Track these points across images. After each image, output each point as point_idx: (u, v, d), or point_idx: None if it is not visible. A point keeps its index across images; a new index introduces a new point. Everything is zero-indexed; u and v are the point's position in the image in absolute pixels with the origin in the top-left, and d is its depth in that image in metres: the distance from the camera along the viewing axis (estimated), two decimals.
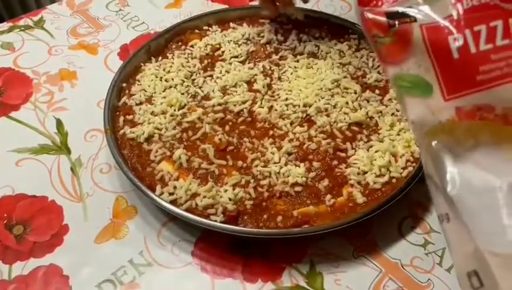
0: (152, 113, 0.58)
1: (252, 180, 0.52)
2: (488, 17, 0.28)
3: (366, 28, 0.33)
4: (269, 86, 0.62)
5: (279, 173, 0.52)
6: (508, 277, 0.25)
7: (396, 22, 0.31)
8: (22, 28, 0.75)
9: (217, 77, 0.63)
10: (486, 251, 0.25)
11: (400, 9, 0.31)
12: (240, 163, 0.53)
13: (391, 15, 0.31)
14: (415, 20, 0.30)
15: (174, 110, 0.58)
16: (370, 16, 0.32)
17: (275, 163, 0.53)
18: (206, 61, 0.66)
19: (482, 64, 0.26)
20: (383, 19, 0.31)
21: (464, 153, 0.28)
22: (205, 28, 0.71)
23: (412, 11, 0.30)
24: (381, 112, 0.58)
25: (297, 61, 0.65)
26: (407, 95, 0.30)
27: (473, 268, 0.27)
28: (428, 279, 0.48)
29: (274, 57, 0.66)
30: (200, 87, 0.62)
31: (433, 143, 0.29)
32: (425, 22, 0.30)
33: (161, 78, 0.63)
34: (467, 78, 0.27)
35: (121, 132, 0.56)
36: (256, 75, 0.63)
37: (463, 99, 0.28)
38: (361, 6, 0.33)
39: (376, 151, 0.53)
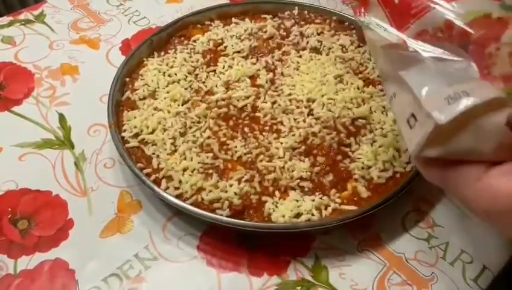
0: (155, 108, 0.58)
1: (257, 175, 0.52)
2: None
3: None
4: (272, 81, 0.63)
5: (283, 167, 0.52)
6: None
7: None
8: (23, 22, 0.75)
9: (220, 72, 0.63)
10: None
11: None
12: (244, 158, 0.53)
13: None
14: None
15: (178, 105, 0.59)
16: None
17: (279, 158, 0.53)
18: (208, 56, 0.66)
19: (412, 3, 0.39)
20: None
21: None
22: (207, 22, 0.71)
23: None
24: (384, 107, 0.59)
25: (300, 56, 0.65)
26: (368, 29, 0.42)
27: (410, 112, 0.35)
28: (432, 272, 0.48)
29: (277, 52, 0.66)
30: (203, 82, 0.62)
31: (387, 50, 0.39)
32: None
33: (164, 73, 0.62)
34: (407, 14, 0.39)
35: (125, 126, 0.56)
36: (259, 70, 0.63)
37: (408, 30, 0.39)
38: None
39: (380, 146, 0.54)
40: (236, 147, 0.54)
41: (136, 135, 0.55)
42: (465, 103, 0.32)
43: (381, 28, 0.41)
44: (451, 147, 0.33)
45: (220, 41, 0.68)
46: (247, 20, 0.71)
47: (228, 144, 0.55)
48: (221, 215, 0.48)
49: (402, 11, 0.39)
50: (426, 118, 0.33)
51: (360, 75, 0.63)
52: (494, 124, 0.32)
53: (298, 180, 0.51)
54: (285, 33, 0.69)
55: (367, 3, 0.42)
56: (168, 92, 0.60)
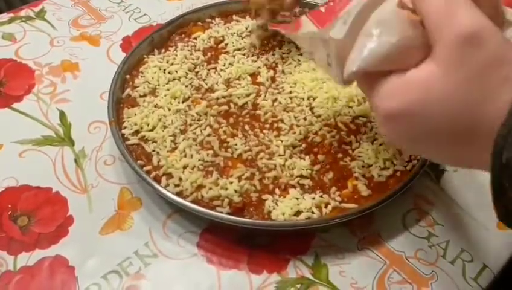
0: (156, 105, 0.58)
1: (257, 173, 0.52)
2: None
3: None
4: (273, 79, 0.63)
5: (284, 165, 0.52)
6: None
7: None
8: (23, 19, 0.75)
9: (221, 70, 0.63)
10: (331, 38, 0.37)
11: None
12: (244, 155, 0.53)
13: None
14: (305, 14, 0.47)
15: (178, 103, 0.58)
16: None
17: (279, 156, 0.53)
18: (209, 54, 0.66)
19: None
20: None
21: None
22: (208, 20, 0.71)
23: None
24: None
25: (301, 54, 0.65)
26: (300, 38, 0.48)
27: (326, 53, 0.39)
28: (432, 271, 0.48)
29: (277, 50, 0.66)
30: (203, 80, 0.62)
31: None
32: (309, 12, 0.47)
33: (165, 70, 0.62)
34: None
35: (125, 123, 0.56)
36: (259, 68, 0.63)
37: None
38: None
39: (380, 144, 0.54)
40: (236, 144, 0.54)
41: (137, 132, 0.55)
42: (353, 12, 0.35)
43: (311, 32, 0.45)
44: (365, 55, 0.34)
45: (221, 38, 0.68)
46: (247, 17, 0.71)
47: (228, 142, 0.55)
48: (222, 212, 0.48)
49: (327, 16, 0.43)
50: (330, 41, 0.37)
51: None
52: (388, 11, 0.33)
53: (298, 178, 0.51)
54: None
55: (299, 24, 0.48)
56: (168, 90, 0.60)
